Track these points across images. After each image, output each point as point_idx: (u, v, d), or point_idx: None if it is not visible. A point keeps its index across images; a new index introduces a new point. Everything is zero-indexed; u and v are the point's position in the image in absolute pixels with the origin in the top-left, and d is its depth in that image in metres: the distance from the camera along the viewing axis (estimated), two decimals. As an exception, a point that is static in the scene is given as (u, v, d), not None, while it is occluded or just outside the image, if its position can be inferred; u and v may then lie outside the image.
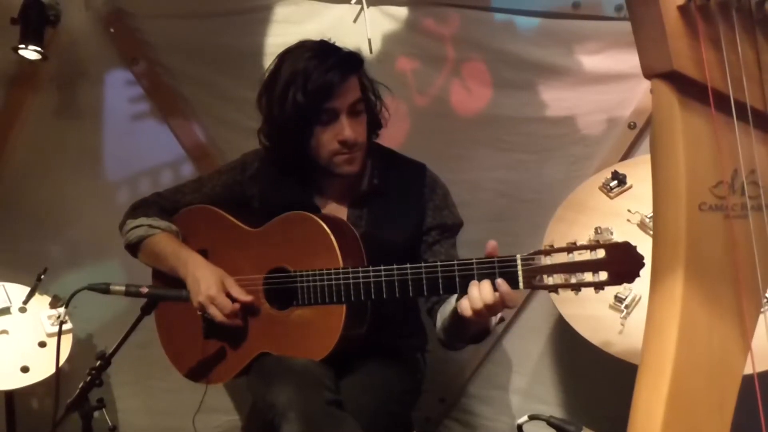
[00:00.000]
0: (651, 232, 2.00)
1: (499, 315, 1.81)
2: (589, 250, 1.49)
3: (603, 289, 1.50)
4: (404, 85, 2.43)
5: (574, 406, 2.50)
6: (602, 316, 1.94)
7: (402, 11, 2.38)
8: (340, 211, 1.99)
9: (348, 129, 1.86)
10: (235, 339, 1.94)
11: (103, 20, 2.50)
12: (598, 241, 1.51)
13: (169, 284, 2.01)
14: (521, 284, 1.57)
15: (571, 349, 2.44)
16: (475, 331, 1.75)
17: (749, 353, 1.16)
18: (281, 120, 1.89)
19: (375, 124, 2.01)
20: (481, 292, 1.58)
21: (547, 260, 1.54)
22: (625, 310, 1.92)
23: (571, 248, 1.51)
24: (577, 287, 1.51)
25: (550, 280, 1.53)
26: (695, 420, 1.16)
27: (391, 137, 2.20)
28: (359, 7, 2.36)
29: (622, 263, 1.46)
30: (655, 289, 1.20)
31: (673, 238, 1.15)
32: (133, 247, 2.06)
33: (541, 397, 2.53)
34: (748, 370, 1.16)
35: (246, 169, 2.06)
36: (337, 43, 1.95)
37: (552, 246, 1.55)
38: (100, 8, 2.49)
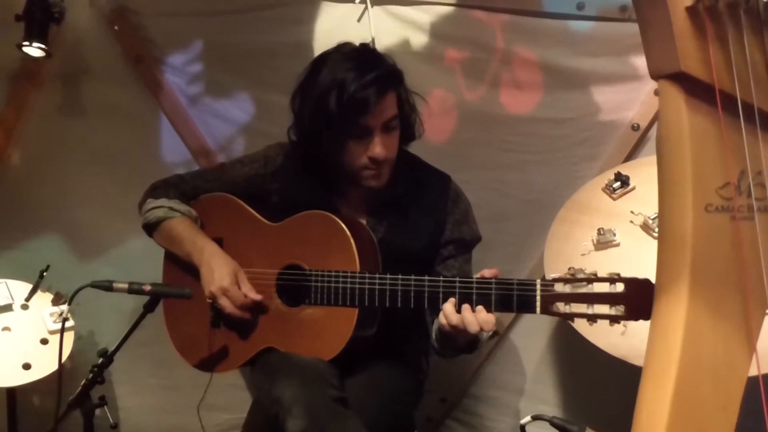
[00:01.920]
0: (654, 234, 2.00)
1: (492, 330, 1.83)
2: (608, 283, 1.50)
3: (618, 323, 1.50)
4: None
5: (575, 406, 2.50)
6: (605, 316, 1.94)
7: (406, 10, 2.39)
8: (360, 216, 1.98)
9: (379, 147, 1.83)
10: (242, 331, 1.93)
11: (107, 18, 2.50)
12: (618, 275, 1.51)
13: (181, 269, 2.01)
14: (538, 309, 1.57)
15: (572, 349, 2.45)
16: (462, 342, 1.75)
17: (754, 354, 1.16)
18: (312, 126, 1.87)
19: (408, 137, 1.98)
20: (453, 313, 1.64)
21: (565, 288, 1.54)
22: (628, 311, 1.92)
23: (592, 279, 1.52)
24: (593, 318, 1.52)
25: (566, 308, 1.54)
26: (700, 421, 1.16)
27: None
28: (363, 6, 2.36)
29: (640, 299, 1.45)
30: (661, 290, 1.20)
31: (679, 239, 1.15)
32: (151, 228, 2.05)
33: (542, 397, 2.53)
34: (753, 371, 1.15)
35: (268, 163, 2.04)
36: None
37: (573, 275, 1.55)
38: (104, 6, 2.49)
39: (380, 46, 2.34)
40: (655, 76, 1.16)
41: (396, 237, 1.93)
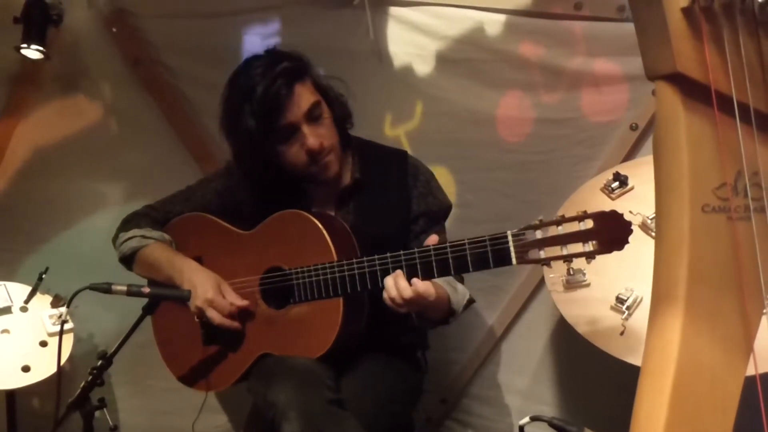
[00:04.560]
0: (653, 234, 2.00)
1: (466, 298, 1.86)
2: (577, 221, 1.51)
3: (594, 258, 1.52)
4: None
5: (574, 407, 2.49)
6: (603, 317, 1.94)
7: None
8: (327, 207, 1.99)
9: (311, 138, 1.83)
10: (234, 343, 1.94)
11: (105, 20, 2.51)
12: (585, 212, 1.52)
13: None
14: (514, 260, 1.58)
15: (572, 350, 2.44)
16: (435, 315, 1.79)
17: (752, 355, 1.16)
18: (241, 148, 1.88)
19: (343, 118, 1.97)
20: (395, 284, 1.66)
21: (537, 234, 1.56)
22: (627, 312, 1.92)
23: (560, 221, 1.53)
24: (568, 258, 1.53)
25: (541, 254, 1.55)
26: (698, 422, 1.16)
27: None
28: (363, 8, 2.35)
29: (610, 231, 1.49)
30: (658, 291, 1.20)
31: (675, 240, 1.15)
32: (128, 260, 2.06)
33: (542, 397, 2.53)
34: (750, 371, 1.15)
35: (232, 175, 2.05)
36: (284, 49, 1.91)
37: (541, 220, 1.56)
38: (102, 8, 2.50)
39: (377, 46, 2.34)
40: (651, 76, 1.16)
41: (366, 223, 1.93)
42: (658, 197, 1.19)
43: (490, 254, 1.60)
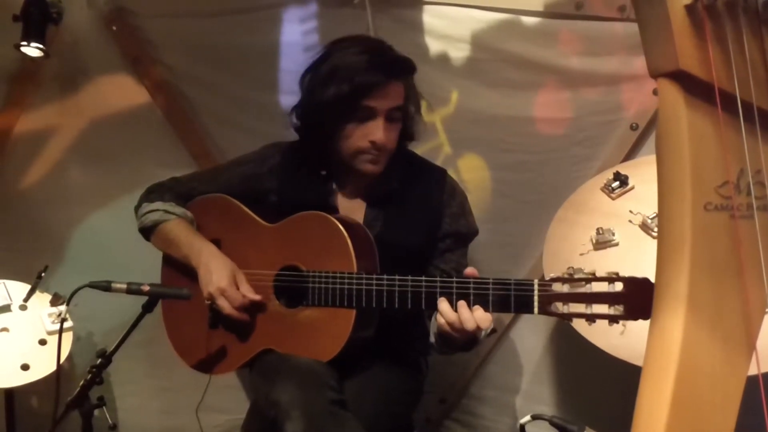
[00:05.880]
0: (653, 233, 2.00)
1: (490, 327, 1.83)
2: (607, 282, 1.49)
3: (617, 322, 1.49)
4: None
5: (574, 406, 2.49)
6: (604, 316, 1.94)
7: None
8: (357, 209, 1.97)
9: (381, 132, 1.84)
10: (241, 332, 1.93)
11: (105, 18, 2.51)
12: (617, 274, 1.49)
13: (179, 271, 2.01)
14: (536, 309, 1.56)
15: (571, 349, 2.44)
16: (462, 341, 1.73)
17: (754, 354, 1.16)
18: (318, 105, 1.87)
19: (407, 136, 1.99)
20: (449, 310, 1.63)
21: (564, 288, 1.53)
22: (627, 311, 1.91)
23: (590, 279, 1.50)
24: (592, 318, 1.50)
25: (565, 309, 1.52)
26: (699, 421, 1.16)
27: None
28: (364, 7, 2.35)
29: (639, 298, 1.44)
30: (660, 289, 1.20)
31: (678, 238, 1.15)
32: (147, 231, 2.05)
33: (541, 397, 2.53)
34: (753, 370, 1.15)
35: (265, 161, 2.04)
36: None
37: (571, 274, 1.54)
38: (102, 6, 2.50)
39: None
40: (654, 74, 1.15)
41: (394, 232, 1.92)
42: (660, 196, 1.19)
43: (513, 298, 1.59)
